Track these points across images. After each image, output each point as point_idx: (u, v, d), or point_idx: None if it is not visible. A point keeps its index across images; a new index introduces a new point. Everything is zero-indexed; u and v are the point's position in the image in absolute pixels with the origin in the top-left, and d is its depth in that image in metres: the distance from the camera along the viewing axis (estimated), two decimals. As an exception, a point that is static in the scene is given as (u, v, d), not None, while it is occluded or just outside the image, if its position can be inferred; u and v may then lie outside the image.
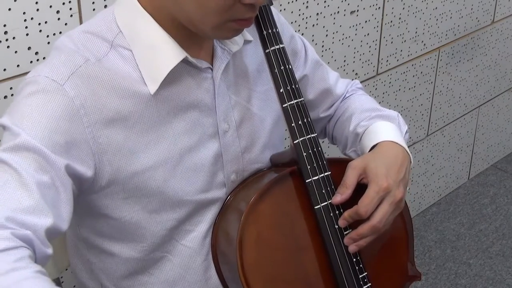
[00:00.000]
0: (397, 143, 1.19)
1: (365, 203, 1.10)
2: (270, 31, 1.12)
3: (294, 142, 1.13)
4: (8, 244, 0.84)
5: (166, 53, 1.05)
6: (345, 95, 1.36)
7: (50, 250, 0.92)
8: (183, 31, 1.05)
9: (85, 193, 1.05)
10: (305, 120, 1.13)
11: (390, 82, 2.45)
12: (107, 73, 1.03)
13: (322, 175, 1.12)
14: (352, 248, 1.12)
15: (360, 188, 1.12)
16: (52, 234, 0.93)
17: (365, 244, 1.12)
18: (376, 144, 1.19)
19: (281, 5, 1.94)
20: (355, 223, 1.12)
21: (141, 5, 1.05)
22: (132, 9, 1.05)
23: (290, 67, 1.13)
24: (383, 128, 1.22)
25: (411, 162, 1.20)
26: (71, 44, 1.04)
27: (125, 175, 1.05)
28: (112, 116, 1.03)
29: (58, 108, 0.98)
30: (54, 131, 0.96)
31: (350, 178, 1.12)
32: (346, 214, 1.11)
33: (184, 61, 1.06)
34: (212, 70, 1.11)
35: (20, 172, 0.92)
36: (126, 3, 1.06)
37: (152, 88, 1.05)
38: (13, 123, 0.96)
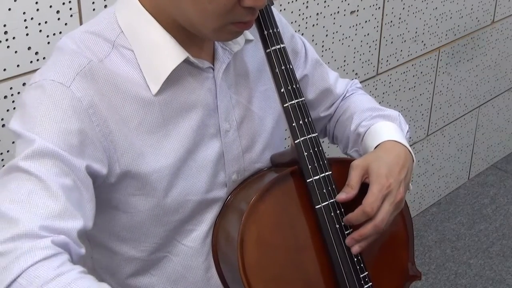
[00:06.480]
0: (400, 143, 1.19)
1: (370, 201, 1.10)
2: (271, 31, 1.12)
3: (295, 141, 1.12)
4: (49, 252, 0.86)
5: (168, 53, 1.04)
6: (345, 95, 1.36)
7: (83, 250, 0.94)
8: (183, 32, 1.05)
9: (97, 189, 1.05)
10: (305, 119, 1.13)
11: (390, 82, 2.45)
12: (110, 74, 1.03)
13: (323, 174, 1.12)
14: (355, 249, 1.12)
15: (362, 189, 1.12)
16: (82, 234, 0.94)
17: (367, 244, 1.12)
18: (379, 144, 1.19)
19: (281, 5, 1.94)
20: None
21: (142, 6, 1.05)
22: (133, 9, 1.05)
23: (291, 67, 1.13)
24: (385, 128, 1.22)
25: (413, 161, 1.20)
26: (73, 45, 1.04)
27: (133, 175, 1.05)
28: (118, 116, 1.03)
29: (68, 110, 0.98)
30: (67, 132, 0.96)
31: (354, 179, 1.12)
32: (350, 216, 1.11)
33: (186, 61, 1.06)
34: (213, 70, 1.11)
35: (43, 179, 0.92)
36: (127, 4, 1.06)
37: (154, 88, 1.05)
38: (26, 129, 0.96)
